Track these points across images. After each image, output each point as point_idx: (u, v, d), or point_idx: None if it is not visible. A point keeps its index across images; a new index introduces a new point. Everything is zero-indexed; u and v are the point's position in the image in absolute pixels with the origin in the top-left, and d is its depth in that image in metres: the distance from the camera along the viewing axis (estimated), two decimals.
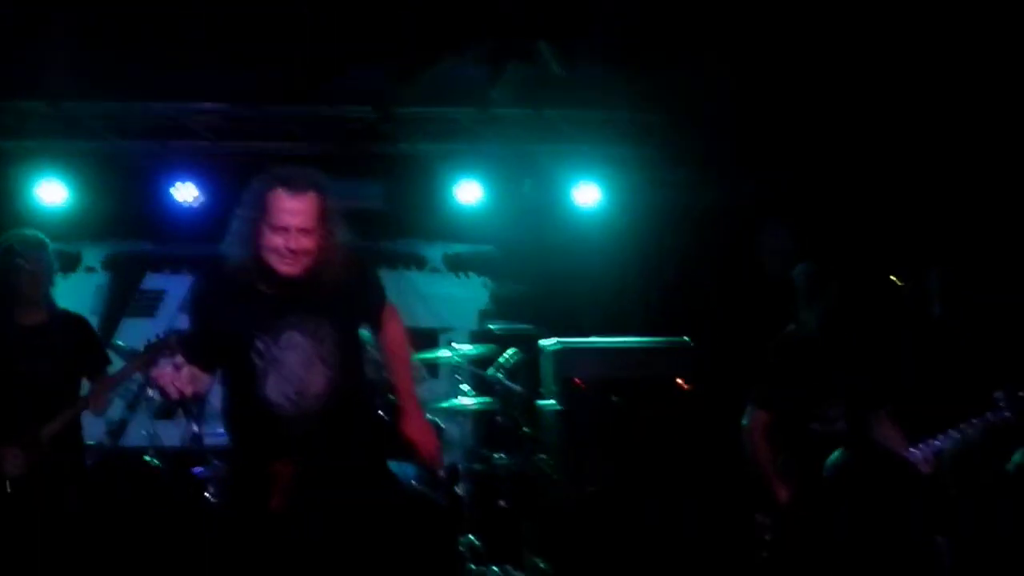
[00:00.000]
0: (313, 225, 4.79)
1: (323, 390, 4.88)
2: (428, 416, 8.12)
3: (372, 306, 5.23)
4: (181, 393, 4.61)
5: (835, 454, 5.01)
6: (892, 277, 6.66)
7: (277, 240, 4.76)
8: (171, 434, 8.34)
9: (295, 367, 4.86)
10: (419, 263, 10.47)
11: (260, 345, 4.84)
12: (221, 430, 7.79)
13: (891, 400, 6.01)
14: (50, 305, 6.62)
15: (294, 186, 4.81)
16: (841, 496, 5.11)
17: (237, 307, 4.86)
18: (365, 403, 5.17)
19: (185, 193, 9.42)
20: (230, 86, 8.72)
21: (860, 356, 6.02)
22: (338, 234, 4.90)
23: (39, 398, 6.38)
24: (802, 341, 6.15)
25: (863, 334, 6.05)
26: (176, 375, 4.57)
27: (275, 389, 4.85)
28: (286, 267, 4.80)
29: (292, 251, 4.76)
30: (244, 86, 8.57)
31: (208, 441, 8.38)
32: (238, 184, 9.22)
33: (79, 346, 6.66)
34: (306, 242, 4.78)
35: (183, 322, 9.68)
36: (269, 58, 7.57)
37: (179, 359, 4.65)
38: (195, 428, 8.12)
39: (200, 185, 9.44)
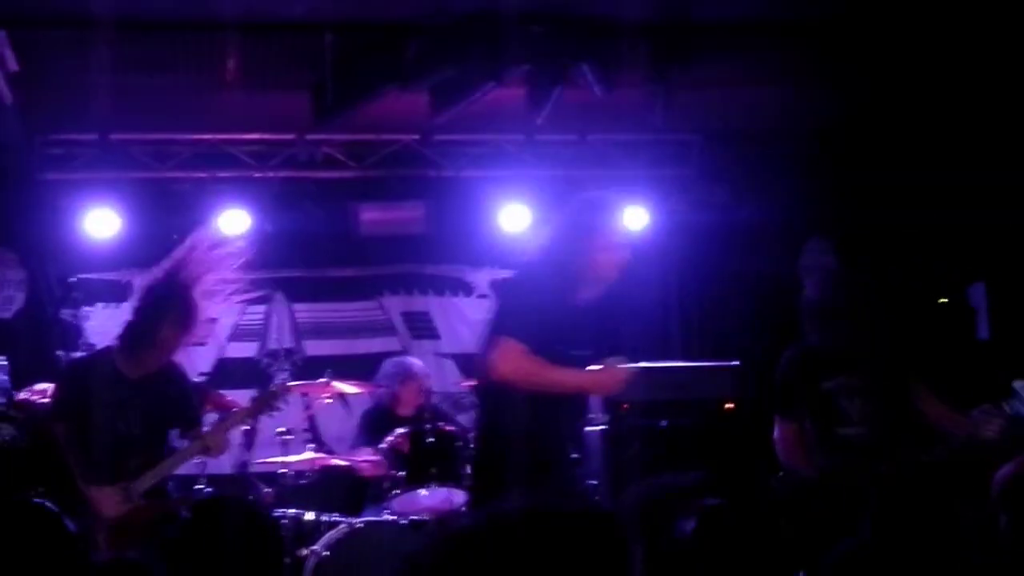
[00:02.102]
0: None
1: None
2: None
3: None
4: None
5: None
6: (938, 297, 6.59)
7: (618, 256, 5.49)
8: (221, 461, 8.33)
9: None
10: (466, 289, 10.48)
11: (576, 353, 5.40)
12: (269, 458, 7.97)
13: (910, 366, 5.96)
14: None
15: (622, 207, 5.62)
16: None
17: (562, 315, 5.42)
18: None
19: (235, 221, 9.48)
20: (272, 115, 8.80)
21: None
22: None
23: (123, 449, 6.41)
24: (815, 350, 6.13)
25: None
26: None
27: None
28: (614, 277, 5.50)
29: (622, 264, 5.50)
30: (286, 114, 8.64)
31: (255, 468, 8.45)
32: (286, 211, 9.56)
33: (171, 400, 6.64)
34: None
35: (232, 350, 9.98)
36: (309, 85, 7.64)
37: None
38: (244, 455, 8.22)
39: (248, 212, 9.50)
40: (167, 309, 6.42)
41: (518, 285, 5.75)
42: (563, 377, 5.40)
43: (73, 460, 6.36)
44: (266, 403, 6.93)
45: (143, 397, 6.46)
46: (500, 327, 5.53)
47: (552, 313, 5.44)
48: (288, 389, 7.20)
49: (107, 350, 6.68)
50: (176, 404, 6.65)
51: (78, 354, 7.66)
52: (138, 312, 6.52)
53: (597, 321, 5.61)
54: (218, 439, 6.65)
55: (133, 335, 6.49)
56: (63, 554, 3.07)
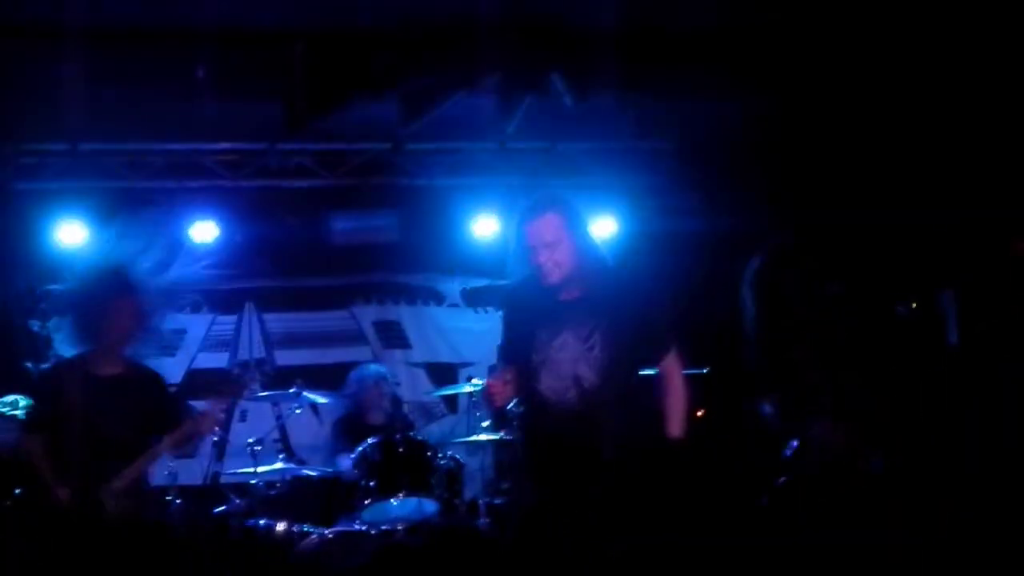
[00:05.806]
0: (556, 239, 5.37)
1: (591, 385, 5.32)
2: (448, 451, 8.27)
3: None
4: (506, 403, 5.24)
5: None
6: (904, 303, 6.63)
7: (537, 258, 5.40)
8: (192, 472, 8.34)
9: (565, 364, 5.34)
10: (438, 298, 10.50)
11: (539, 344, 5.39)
12: (240, 469, 7.98)
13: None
14: (128, 358, 6.56)
15: (534, 211, 5.44)
16: None
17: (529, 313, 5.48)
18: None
19: (204, 231, 9.48)
20: (243, 124, 8.80)
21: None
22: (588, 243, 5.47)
23: (107, 451, 6.33)
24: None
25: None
26: (506, 386, 5.13)
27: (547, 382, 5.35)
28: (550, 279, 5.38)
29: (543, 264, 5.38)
30: (257, 124, 8.64)
31: (226, 479, 8.44)
32: (257, 220, 9.56)
33: (153, 405, 6.56)
34: (557, 256, 5.35)
35: (203, 360, 9.96)
36: (281, 94, 7.65)
37: (506, 373, 5.23)
38: (215, 466, 8.23)
39: (218, 222, 9.50)
40: (107, 292, 6.48)
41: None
42: None
43: (50, 471, 6.30)
44: (230, 391, 6.93)
45: (120, 398, 6.40)
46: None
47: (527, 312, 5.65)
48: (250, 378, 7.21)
49: (77, 356, 6.62)
50: (161, 412, 6.58)
51: (46, 365, 7.63)
52: (80, 297, 6.57)
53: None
54: (179, 439, 6.60)
55: (83, 321, 6.50)
56: None
